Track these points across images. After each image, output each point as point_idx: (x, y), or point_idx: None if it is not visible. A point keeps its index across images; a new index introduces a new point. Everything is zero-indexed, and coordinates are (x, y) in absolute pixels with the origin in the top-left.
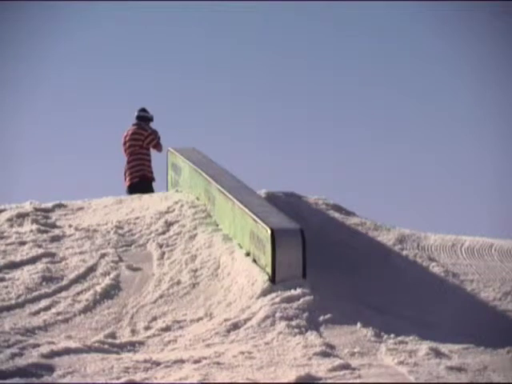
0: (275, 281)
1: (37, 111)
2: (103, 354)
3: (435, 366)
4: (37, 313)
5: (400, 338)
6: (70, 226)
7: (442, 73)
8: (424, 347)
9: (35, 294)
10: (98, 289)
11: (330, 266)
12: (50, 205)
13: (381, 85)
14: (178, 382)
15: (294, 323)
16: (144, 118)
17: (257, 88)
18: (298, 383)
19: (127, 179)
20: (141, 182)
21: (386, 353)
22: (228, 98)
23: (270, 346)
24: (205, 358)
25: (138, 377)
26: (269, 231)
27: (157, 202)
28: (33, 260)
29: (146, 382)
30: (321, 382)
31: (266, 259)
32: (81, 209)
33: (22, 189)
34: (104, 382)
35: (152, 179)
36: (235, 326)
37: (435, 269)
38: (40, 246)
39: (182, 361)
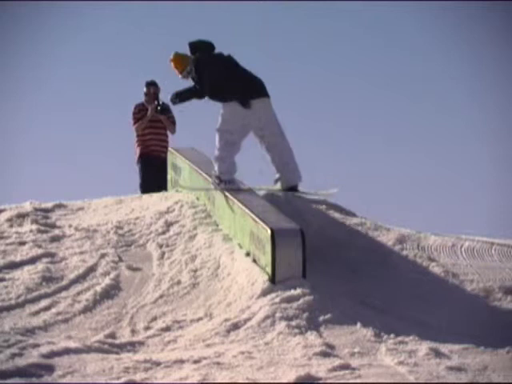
0: (275, 281)
1: (37, 111)
2: (103, 354)
3: (435, 366)
4: (37, 313)
5: (400, 338)
6: (70, 226)
7: (442, 73)
8: (424, 347)
9: (35, 294)
10: (98, 289)
11: (329, 265)
12: (49, 205)
13: (381, 85)
14: (177, 382)
15: (293, 323)
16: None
17: None
18: (298, 383)
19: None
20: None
21: (386, 353)
22: None
23: (270, 346)
24: (205, 358)
25: (138, 377)
26: (269, 231)
27: (157, 202)
28: (33, 260)
29: (146, 381)
30: (321, 382)
31: (265, 259)
32: (81, 209)
33: (22, 189)
34: (104, 382)
35: (138, 158)
36: (235, 326)
37: (435, 269)
38: (40, 246)
39: (181, 361)
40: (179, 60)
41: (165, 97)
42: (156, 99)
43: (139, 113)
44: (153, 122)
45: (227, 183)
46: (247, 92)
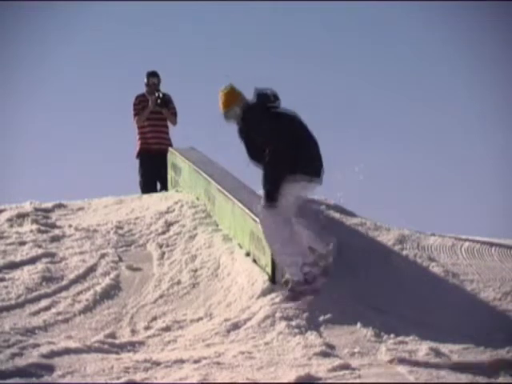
0: (275, 281)
1: (37, 111)
2: (103, 354)
3: (435, 366)
4: (37, 313)
5: (400, 338)
6: (70, 226)
7: (442, 73)
8: (424, 347)
9: (35, 294)
10: (98, 289)
11: None
12: (50, 205)
13: (381, 84)
14: (177, 382)
15: (293, 323)
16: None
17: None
18: (298, 383)
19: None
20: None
21: (386, 353)
22: None
23: (270, 345)
24: (205, 358)
25: (137, 377)
26: None
27: (157, 202)
28: (33, 260)
29: (146, 381)
30: (321, 382)
31: (266, 259)
32: (81, 209)
33: (22, 189)
34: (104, 382)
35: (137, 154)
36: (235, 326)
37: (435, 269)
38: (40, 246)
39: (181, 361)
40: (232, 96)
41: (165, 88)
42: (157, 90)
43: (139, 104)
44: (153, 114)
45: (301, 286)
46: (309, 170)
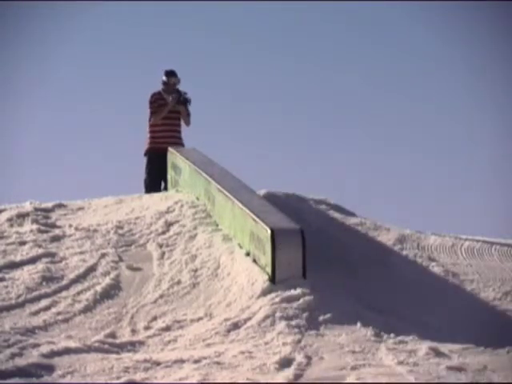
0: (275, 281)
1: (37, 110)
2: (103, 353)
3: (435, 366)
4: (37, 313)
5: (400, 338)
6: (70, 225)
7: (442, 74)
8: (424, 347)
9: (35, 293)
10: (98, 289)
11: (330, 266)
12: (50, 205)
13: (382, 85)
14: (177, 381)
15: (293, 323)
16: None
17: (257, 88)
18: (298, 383)
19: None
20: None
21: (386, 353)
22: (228, 97)
23: (270, 345)
24: (205, 358)
25: (138, 377)
26: (269, 231)
27: (157, 201)
28: (33, 260)
29: (146, 381)
30: (321, 381)
31: (266, 259)
32: (81, 209)
33: (22, 189)
34: (104, 382)
35: (146, 152)
36: (235, 326)
37: (435, 269)
38: (40, 246)
39: (182, 361)
40: None
41: (182, 87)
42: (176, 90)
43: (155, 102)
44: (169, 113)
45: None
46: None
